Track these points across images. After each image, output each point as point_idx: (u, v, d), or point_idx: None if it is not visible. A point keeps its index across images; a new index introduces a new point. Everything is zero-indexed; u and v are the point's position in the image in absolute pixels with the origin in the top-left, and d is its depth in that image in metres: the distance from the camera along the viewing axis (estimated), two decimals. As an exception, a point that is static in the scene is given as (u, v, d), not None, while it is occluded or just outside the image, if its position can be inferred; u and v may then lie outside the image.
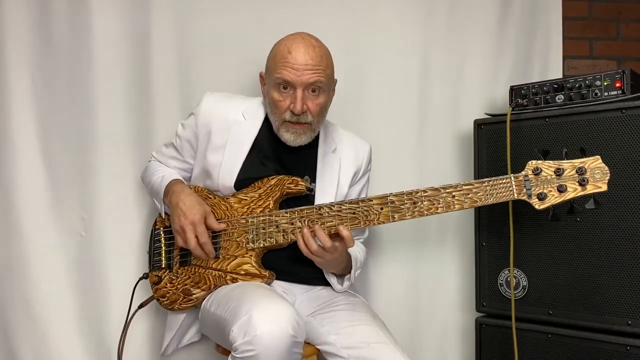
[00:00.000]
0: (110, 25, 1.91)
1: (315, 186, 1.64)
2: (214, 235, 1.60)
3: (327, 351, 1.48)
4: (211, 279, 1.58)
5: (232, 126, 1.63)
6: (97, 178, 1.91)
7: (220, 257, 1.58)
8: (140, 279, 1.70)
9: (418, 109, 2.12)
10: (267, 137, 1.65)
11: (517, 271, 1.76)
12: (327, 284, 1.66)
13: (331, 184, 1.66)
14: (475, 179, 1.87)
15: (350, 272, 1.60)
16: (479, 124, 1.87)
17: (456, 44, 2.14)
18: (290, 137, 1.58)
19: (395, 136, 2.10)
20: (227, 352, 1.57)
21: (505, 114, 1.74)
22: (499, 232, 1.80)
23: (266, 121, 1.67)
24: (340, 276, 1.63)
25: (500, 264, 1.80)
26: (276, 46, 1.59)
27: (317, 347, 1.52)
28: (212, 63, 1.97)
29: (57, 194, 1.91)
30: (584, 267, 1.63)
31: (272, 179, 1.59)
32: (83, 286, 1.91)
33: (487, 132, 1.85)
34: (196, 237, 1.53)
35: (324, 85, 1.57)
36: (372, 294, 2.08)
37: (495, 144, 1.81)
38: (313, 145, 1.66)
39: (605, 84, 1.68)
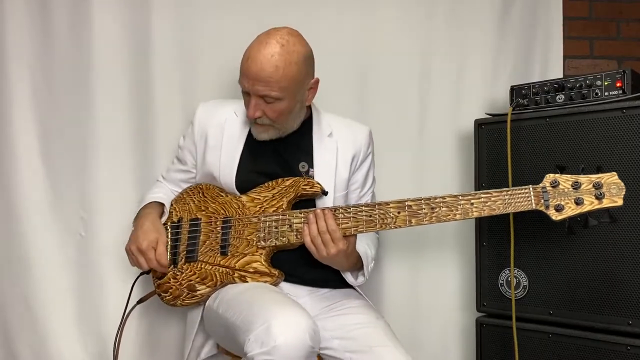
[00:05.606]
0: (110, 25, 1.91)
1: (313, 171, 1.64)
2: (224, 231, 1.59)
3: (330, 355, 1.47)
4: (218, 275, 1.57)
5: (225, 125, 1.67)
6: (97, 178, 1.92)
7: (229, 254, 1.58)
8: (142, 273, 1.66)
9: (419, 109, 2.12)
10: None
11: (518, 271, 1.76)
12: (332, 286, 1.65)
13: (329, 167, 1.65)
14: (475, 179, 1.87)
15: (362, 269, 1.59)
16: (479, 124, 1.86)
17: (457, 44, 2.14)
18: (255, 132, 1.62)
19: (395, 136, 2.10)
20: (229, 354, 1.57)
21: (506, 114, 1.74)
22: (499, 232, 1.80)
23: None
24: (353, 272, 1.61)
25: (500, 264, 1.80)
26: (248, 46, 1.55)
27: (320, 352, 1.49)
28: (212, 63, 1.97)
29: (57, 194, 1.91)
30: (585, 267, 1.63)
31: (287, 180, 1.60)
32: (83, 286, 1.92)
33: (487, 132, 1.84)
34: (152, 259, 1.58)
35: (279, 96, 1.52)
36: (372, 293, 2.06)
37: (496, 144, 1.81)
38: (307, 131, 1.68)
39: (605, 83, 1.68)
